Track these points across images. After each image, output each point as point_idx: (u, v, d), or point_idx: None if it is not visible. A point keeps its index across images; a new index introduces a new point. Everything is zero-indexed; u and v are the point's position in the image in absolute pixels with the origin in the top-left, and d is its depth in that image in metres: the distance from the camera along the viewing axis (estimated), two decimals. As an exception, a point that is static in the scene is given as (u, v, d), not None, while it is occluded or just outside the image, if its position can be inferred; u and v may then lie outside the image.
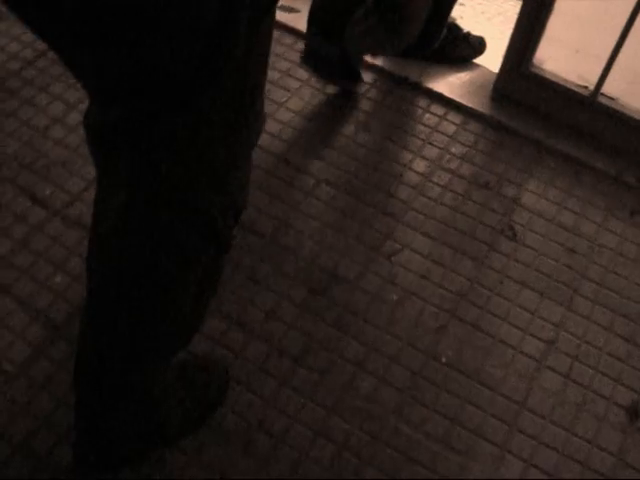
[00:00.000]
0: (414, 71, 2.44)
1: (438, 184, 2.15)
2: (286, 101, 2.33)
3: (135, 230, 1.02)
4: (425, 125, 2.32)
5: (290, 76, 2.41)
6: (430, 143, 2.26)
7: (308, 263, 1.92)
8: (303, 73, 2.40)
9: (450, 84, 2.42)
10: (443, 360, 1.79)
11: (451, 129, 2.31)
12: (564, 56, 2.22)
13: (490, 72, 2.47)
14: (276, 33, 2.42)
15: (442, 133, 2.29)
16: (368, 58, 2.39)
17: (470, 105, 2.35)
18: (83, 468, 1.43)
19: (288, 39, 2.54)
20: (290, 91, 2.37)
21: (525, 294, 1.93)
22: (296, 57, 2.42)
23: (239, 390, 1.67)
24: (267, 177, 2.11)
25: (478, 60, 2.53)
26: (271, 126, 2.23)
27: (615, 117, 2.22)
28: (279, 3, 1.02)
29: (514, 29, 2.21)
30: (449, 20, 2.33)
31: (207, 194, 1.00)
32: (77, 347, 1.25)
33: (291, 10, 2.59)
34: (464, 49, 2.45)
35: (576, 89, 2.23)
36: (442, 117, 2.35)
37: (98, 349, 1.20)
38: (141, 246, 1.03)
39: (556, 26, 2.14)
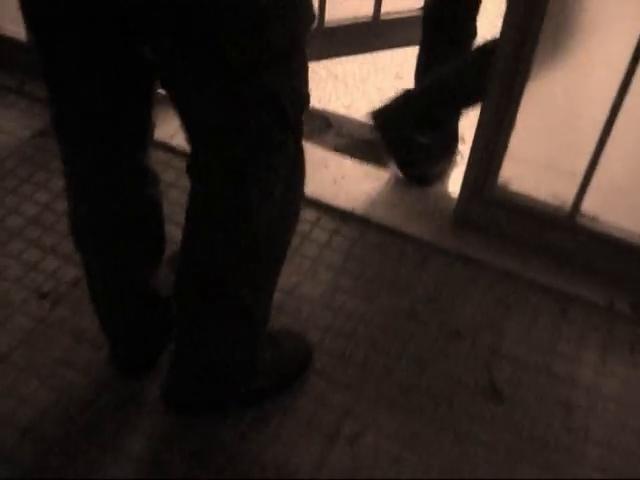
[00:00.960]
0: (359, 201, 2.13)
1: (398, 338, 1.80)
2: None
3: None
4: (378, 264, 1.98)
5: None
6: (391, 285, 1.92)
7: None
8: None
9: (406, 213, 2.11)
10: None
11: (408, 268, 1.97)
12: (533, 174, 1.93)
13: (448, 196, 2.17)
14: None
15: (398, 274, 1.96)
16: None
17: (429, 237, 2.03)
18: (173, 409, 1.54)
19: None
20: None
21: (521, 470, 1.55)
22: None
23: None
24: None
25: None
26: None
27: (598, 238, 1.92)
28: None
29: (472, 148, 1.92)
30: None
31: (276, 75, 1.11)
32: (178, 271, 1.37)
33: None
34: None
35: (551, 210, 1.93)
36: (401, 254, 2.02)
37: (206, 261, 1.32)
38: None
39: (520, 142, 1.85)
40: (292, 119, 1.19)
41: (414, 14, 2.70)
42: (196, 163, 1.25)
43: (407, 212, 2.12)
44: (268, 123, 1.16)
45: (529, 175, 1.93)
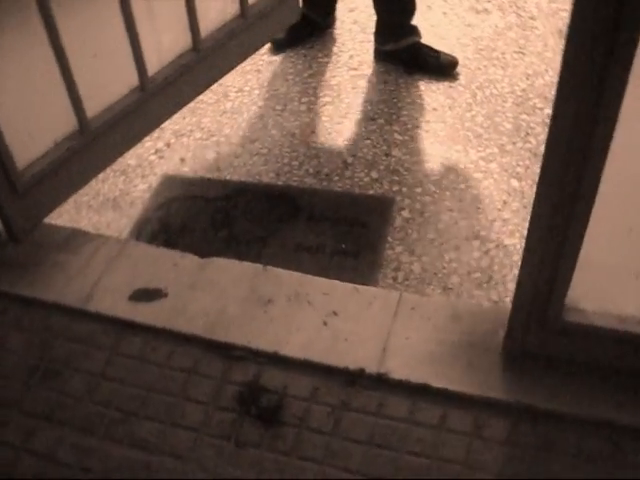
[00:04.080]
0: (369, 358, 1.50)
1: None
2: None
3: None
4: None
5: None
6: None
7: None
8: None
9: (430, 353, 1.49)
10: None
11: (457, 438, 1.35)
12: (614, 285, 1.32)
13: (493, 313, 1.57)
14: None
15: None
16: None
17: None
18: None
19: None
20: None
21: None
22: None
23: None
24: None
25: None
26: None
27: None
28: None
29: (523, 262, 1.31)
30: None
31: None
32: None
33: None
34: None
35: (646, 330, 1.33)
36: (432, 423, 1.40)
37: None
38: None
39: (594, 243, 1.25)
40: None
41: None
42: None
43: (444, 358, 1.49)
44: None
45: (609, 286, 1.33)
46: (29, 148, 1.68)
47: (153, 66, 1.91)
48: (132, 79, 1.87)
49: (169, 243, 2.05)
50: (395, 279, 2.00)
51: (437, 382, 1.47)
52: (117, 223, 2.16)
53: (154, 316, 1.61)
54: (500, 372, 1.48)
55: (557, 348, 1.44)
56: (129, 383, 1.52)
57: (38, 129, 1.69)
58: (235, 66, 2.24)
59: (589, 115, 1.07)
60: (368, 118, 2.50)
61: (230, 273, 1.69)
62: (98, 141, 1.82)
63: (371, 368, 1.50)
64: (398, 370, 1.49)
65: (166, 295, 1.65)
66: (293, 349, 1.54)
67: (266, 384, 1.50)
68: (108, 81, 1.82)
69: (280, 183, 2.29)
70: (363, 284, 1.72)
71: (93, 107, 1.79)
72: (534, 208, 1.23)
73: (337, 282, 1.67)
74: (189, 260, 1.73)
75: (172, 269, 1.70)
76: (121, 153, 1.98)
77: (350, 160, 2.36)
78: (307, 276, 1.69)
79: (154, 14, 1.88)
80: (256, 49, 2.33)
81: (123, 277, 1.69)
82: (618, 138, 1.10)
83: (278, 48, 2.83)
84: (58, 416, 1.48)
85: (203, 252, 1.78)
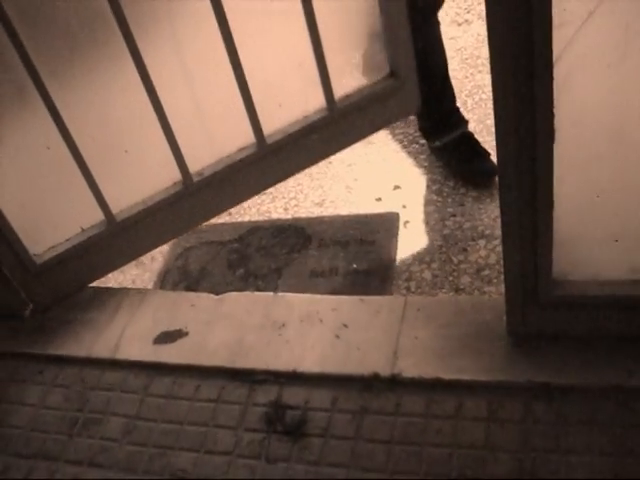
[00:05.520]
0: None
1: None
2: None
3: None
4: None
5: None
6: None
7: None
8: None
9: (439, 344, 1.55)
10: None
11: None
12: (596, 252, 1.38)
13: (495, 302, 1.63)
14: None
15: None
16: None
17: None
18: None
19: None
20: None
21: None
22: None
23: None
24: None
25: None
26: None
27: None
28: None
29: (504, 244, 1.38)
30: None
31: None
32: None
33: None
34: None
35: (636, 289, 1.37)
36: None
37: None
38: None
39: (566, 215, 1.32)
40: None
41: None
42: None
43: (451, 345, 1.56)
44: None
45: (592, 254, 1.39)
46: (51, 232, 1.80)
47: (201, 160, 1.80)
48: (173, 174, 1.78)
49: (190, 288, 2.16)
50: (408, 289, 2.07)
51: (449, 374, 1.53)
52: (141, 278, 2.29)
53: (178, 355, 1.71)
54: (508, 355, 1.53)
55: (557, 324, 1.49)
56: (162, 420, 1.62)
57: (62, 216, 1.79)
58: (312, 165, 1.99)
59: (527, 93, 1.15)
60: (366, 140, 2.60)
61: (244, 304, 1.78)
62: (126, 233, 1.81)
63: (385, 371, 1.56)
64: (410, 369, 1.55)
65: (187, 334, 1.75)
66: (310, 365, 1.62)
67: (288, 401, 1.58)
68: (143, 176, 1.77)
69: (289, 217, 2.39)
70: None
71: (125, 200, 1.78)
72: (501, 195, 1.31)
73: (344, 297, 1.75)
74: (205, 298, 1.83)
75: (190, 309, 1.81)
76: (154, 246, 1.93)
77: (352, 184, 2.45)
78: (316, 296, 1.78)
79: (201, 109, 1.76)
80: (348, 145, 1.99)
81: (146, 323, 1.80)
82: (559, 112, 1.17)
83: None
84: (100, 460, 1.58)
85: (222, 291, 1.88)
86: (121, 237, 1.83)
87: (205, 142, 1.81)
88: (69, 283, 1.89)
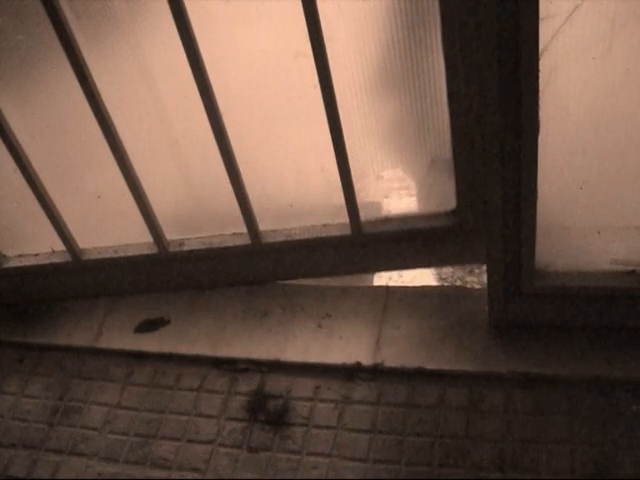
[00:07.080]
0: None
1: None
2: None
3: None
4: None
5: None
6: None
7: None
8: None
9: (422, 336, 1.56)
10: None
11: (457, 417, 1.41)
12: (580, 241, 1.39)
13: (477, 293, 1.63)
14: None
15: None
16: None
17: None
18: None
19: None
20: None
21: None
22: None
23: None
24: None
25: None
26: None
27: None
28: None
29: (488, 249, 1.39)
30: None
31: None
32: None
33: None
34: None
35: (620, 281, 1.39)
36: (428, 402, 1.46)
37: None
38: None
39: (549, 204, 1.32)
40: None
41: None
42: None
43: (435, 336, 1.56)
44: None
45: (574, 245, 1.40)
46: (22, 242, 1.79)
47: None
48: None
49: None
50: (390, 278, 2.08)
51: (431, 364, 1.53)
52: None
53: (160, 344, 1.71)
54: (490, 346, 1.54)
55: (539, 314, 1.50)
56: (144, 409, 1.61)
57: (35, 233, 1.76)
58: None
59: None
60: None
61: (225, 294, 1.78)
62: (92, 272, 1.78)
63: (367, 360, 1.57)
64: (393, 359, 1.56)
65: (169, 322, 1.75)
66: (292, 354, 1.62)
67: (271, 390, 1.58)
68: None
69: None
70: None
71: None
72: (485, 186, 1.31)
73: (326, 287, 1.74)
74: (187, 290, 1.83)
75: (172, 296, 1.80)
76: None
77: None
78: (296, 285, 1.77)
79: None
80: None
81: (127, 311, 1.79)
82: (544, 103, 1.18)
83: None
84: (81, 449, 1.57)
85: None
86: (87, 274, 1.80)
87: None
88: (27, 295, 1.88)
